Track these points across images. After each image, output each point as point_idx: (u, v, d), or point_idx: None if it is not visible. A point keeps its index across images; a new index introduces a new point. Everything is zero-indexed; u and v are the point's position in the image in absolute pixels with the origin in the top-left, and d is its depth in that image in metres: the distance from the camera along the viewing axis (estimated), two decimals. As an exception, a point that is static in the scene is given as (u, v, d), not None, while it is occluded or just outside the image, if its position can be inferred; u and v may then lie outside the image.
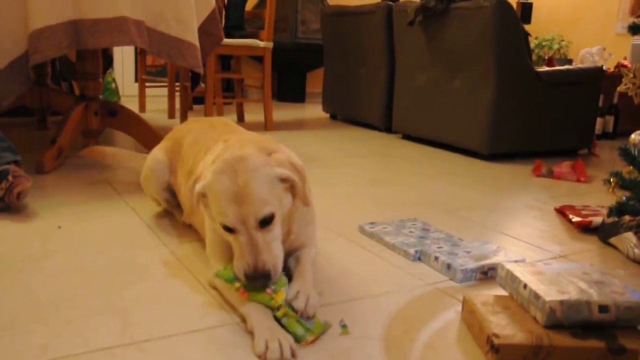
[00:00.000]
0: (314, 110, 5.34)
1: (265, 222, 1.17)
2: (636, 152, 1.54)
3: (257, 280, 1.14)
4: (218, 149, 1.30)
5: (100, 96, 2.72)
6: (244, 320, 1.15)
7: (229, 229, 1.18)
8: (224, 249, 1.32)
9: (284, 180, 1.22)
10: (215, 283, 1.31)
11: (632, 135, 1.61)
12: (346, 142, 3.64)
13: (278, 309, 1.13)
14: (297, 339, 1.09)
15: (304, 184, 1.26)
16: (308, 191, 1.32)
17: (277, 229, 1.20)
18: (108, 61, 3.76)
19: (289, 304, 1.14)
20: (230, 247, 1.30)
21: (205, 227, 1.42)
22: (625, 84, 1.59)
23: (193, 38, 2.46)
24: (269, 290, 1.15)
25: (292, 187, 1.24)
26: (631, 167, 1.62)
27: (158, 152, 1.83)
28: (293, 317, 1.12)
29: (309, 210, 1.41)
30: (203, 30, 2.63)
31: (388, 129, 4.08)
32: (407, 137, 3.86)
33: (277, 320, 1.13)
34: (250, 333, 1.10)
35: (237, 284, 1.18)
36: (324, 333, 1.13)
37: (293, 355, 1.04)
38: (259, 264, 1.13)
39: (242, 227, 1.16)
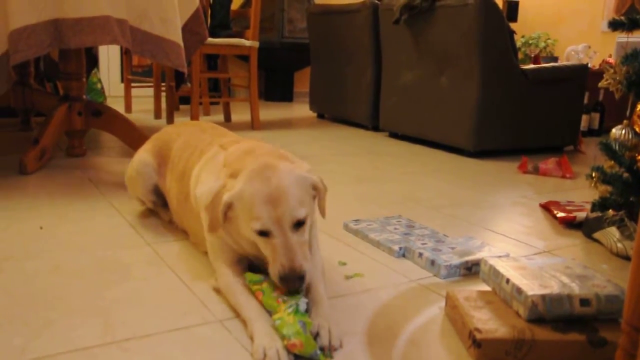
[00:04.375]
0: (301, 109, 5.33)
1: (299, 223, 1.17)
2: (617, 147, 1.55)
3: (292, 282, 1.13)
4: (219, 156, 1.35)
5: (85, 96, 2.70)
6: (245, 324, 1.14)
7: (263, 233, 1.16)
8: (227, 251, 1.31)
9: (313, 187, 1.24)
10: (219, 286, 1.29)
11: (613, 130, 1.61)
12: (333, 141, 3.63)
13: (276, 313, 1.12)
14: (283, 338, 1.06)
15: (325, 195, 1.28)
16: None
17: (307, 234, 1.20)
18: (93, 61, 3.72)
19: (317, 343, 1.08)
20: (234, 249, 1.30)
21: (204, 231, 1.38)
22: (607, 80, 1.60)
23: (177, 37, 2.44)
24: (279, 300, 1.14)
25: (315, 196, 1.26)
26: (612, 162, 1.63)
27: (144, 154, 1.80)
28: (286, 321, 1.08)
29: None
30: (187, 29, 2.62)
31: (375, 128, 4.08)
32: (394, 135, 3.87)
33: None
34: (250, 338, 1.10)
35: (256, 287, 1.19)
36: (308, 354, 1.05)
37: None
38: (295, 265, 1.13)
39: (277, 229, 1.15)
